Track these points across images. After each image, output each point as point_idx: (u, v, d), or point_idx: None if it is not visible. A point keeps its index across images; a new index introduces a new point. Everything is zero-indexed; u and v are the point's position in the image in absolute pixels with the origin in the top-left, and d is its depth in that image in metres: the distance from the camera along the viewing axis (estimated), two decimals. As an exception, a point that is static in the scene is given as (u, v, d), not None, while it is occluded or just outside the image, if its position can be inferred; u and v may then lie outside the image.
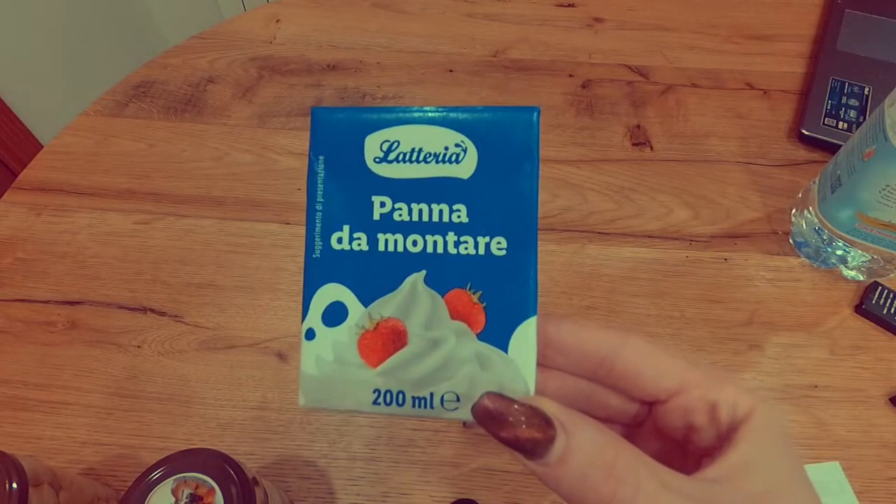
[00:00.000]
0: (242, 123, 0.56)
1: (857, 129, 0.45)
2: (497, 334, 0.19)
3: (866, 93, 0.54)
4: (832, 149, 0.51)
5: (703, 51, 0.61)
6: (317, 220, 0.20)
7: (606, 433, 0.17)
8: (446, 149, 0.19)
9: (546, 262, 0.47)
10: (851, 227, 0.42)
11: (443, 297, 0.19)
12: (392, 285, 0.19)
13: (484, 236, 0.19)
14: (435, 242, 0.19)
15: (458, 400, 0.19)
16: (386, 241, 0.20)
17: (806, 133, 0.53)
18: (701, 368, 0.19)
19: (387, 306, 0.19)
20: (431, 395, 0.19)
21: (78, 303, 0.45)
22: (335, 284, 0.20)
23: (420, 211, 0.19)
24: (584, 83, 0.58)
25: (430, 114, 0.20)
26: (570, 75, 0.59)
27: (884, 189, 0.38)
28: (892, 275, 0.45)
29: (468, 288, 0.19)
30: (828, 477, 0.38)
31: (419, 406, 0.19)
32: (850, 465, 0.38)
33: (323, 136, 0.20)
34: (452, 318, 0.19)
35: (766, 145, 0.54)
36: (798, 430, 0.40)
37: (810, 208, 0.45)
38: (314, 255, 0.20)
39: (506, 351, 0.19)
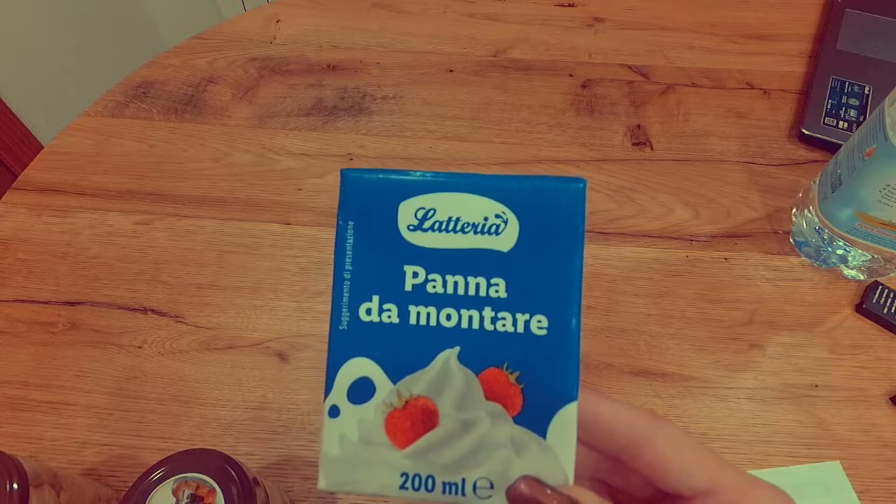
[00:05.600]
0: (242, 123, 0.56)
1: (857, 128, 0.45)
2: (535, 418, 0.18)
3: (866, 92, 0.54)
4: (832, 148, 0.51)
5: (703, 50, 0.61)
6: (344, 290, 0.19)
7: None
8: (486, 219, 0.18)
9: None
10: (852, 227, 0.42)
11: (477, 375, 0.18)
12: (423, 361, 0.18)
13: (523, 313, 0.18)
14: (470, 317, 0.18)
15: (491, 487, 0.18)
16: (418, 313, 0.19)
17: (806, 132, 0.53)
18: (733, 470, 0.18)
19: (417, 383, 0.18)
20: (463, 480, 0.18)
21: (78, 303, 0.45)
22: (362, 358, 0.19)
23: (455, 283, 0.19)
24: (584, 83, 0.58)
25: (469, 181, 0.19)
26: (570, 75, 0.59)
27: (884, 188, 0.38)
28: (892, 274, 0.45)
29: (505, 367, 0.18)
30: (828, 476, 0.38)
31: (450, 492, 0.18)
32: (851, 465, 0.38)
33: (353, 200, 0.19)
34: (487, 398, 0.18)
35: (767, 145, 0.54)
36: (798, 429, 0.40)
37: (811, 208, 0.45)
38: (341, 327, 0.19)
39: (544, 437, 0.18)
